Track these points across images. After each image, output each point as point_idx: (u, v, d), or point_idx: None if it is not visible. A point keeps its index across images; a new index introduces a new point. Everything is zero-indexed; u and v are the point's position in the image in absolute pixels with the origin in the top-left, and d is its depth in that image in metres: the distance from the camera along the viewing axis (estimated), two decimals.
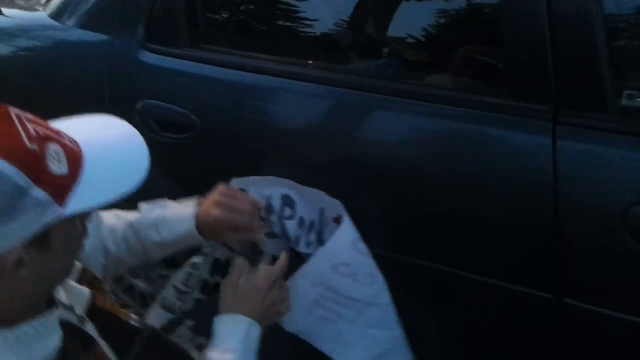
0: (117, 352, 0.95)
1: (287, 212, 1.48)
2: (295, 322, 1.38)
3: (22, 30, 2.12)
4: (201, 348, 1.16)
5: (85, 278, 1.03)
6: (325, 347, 1.41)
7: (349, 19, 1.96)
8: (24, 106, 0.84)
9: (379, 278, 1.41)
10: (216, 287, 1.55)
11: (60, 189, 0.80)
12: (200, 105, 1.74)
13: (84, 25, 1.94)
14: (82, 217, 0.88)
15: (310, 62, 1.74)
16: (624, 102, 1.34)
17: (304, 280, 1.37)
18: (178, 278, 1.58)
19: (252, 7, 2.15)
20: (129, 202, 1.04)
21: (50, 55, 2.03)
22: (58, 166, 0.80)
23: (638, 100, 1.35)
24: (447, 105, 1.50)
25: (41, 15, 2.09)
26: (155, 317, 1.49)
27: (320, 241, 1.47)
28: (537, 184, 1.37)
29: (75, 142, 0.86)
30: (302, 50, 1.89)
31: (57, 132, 0.84)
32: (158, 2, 1.82)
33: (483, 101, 1.48)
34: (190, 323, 1.31)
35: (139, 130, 0.96)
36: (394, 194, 1.53)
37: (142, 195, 1.28)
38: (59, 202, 0.80)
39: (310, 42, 1.96)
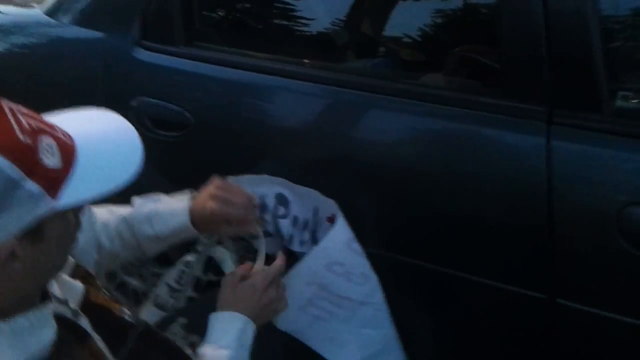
0: (111, 346, 0.95)
1: (281, 210, 1.48)
2: (289, 321, 1.38)
3: (18, 27, 2.11)
4: (194, 345, 1.16)
5: (78, 273, 1.03)
6: (318, 346, 1.41)
7: (345, 18, 1.97)
8: (18, 103, 0.83)
9: (373, 277, 1.41)
10: (209, 285, 1.55)
11: (53, 181, 0.80)
12: (195, 102, 1.73)
13: (79, 22, 1.94)
14: (76, 210, 0.88)
15: (306, 61, 1.74)
16: (619, 102, 1.35)
17: (297, 279, 1.37)
18: (171, 276, 1.58)
19: (247, 5, 2.15)
20: (122, 198, 1.04)
21: (45, 52, 2.02)
22: (51, 159, 0.80)
23: (632, 101, 1.35)
24: (442, 104, 1.50)
25: (36, 12, 2.08)
26: (148, 315, 1.48)
27: (314, 240, 1.47)
28: (531, 184, 1.37)
29: (69, 136, 0.86)
30: (298, 49, 1.89)
31: (51, 125, 0.84)
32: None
33: (478, 101, 1.48)
34: (182, 320, 1.30)
35: (133, 127, 0.96)
36: (387, 193, 1.53)
37: (135, 192, 1.29)
38: (52, 195, 0.79)
39: (305, 40, 1.96)
